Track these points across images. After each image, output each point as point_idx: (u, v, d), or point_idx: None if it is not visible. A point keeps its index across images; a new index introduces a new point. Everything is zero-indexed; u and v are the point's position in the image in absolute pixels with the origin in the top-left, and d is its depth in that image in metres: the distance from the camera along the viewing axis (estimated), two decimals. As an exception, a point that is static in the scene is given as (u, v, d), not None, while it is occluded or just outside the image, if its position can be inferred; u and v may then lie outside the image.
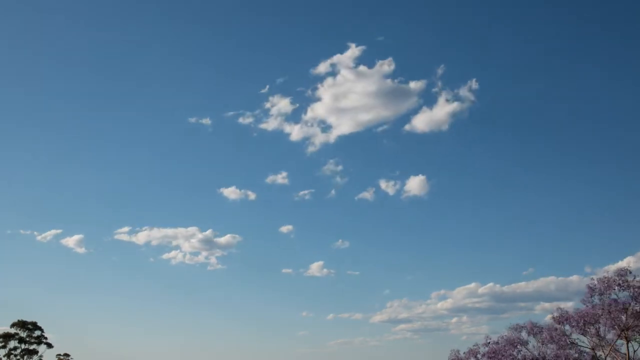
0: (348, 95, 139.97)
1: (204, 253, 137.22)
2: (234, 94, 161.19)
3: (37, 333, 72.94)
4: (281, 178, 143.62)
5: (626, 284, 38.02)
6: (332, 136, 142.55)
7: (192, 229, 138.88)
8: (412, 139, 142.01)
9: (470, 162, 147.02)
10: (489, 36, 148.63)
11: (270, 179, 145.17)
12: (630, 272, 38.04)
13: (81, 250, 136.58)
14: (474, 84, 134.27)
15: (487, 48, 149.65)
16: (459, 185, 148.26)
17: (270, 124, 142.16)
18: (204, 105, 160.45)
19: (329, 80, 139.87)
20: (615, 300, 38.73)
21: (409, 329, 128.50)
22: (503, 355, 44.39)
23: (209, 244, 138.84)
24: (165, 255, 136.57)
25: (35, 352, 71.88)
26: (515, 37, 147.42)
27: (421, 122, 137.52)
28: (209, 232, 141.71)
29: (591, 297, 39.79)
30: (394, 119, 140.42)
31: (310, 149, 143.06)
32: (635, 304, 38.28)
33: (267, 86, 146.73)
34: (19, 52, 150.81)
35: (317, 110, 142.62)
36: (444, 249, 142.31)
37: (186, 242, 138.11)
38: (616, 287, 38.33)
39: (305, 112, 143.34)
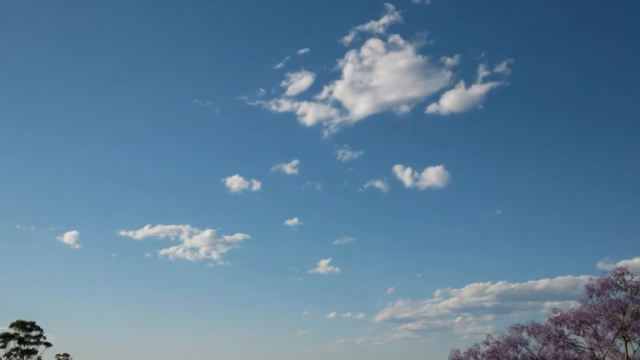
0: (374, 72, 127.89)
1: (205, 249, 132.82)
2: (244, 71, 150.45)
3: (35, 333, 72.97)
4: (290, 167, 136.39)
5: (623, 283, 38.50)
6: (350, 119, 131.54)
7: (194, 223, 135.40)
8: (436, 122, 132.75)
9: (492, 149, 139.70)
10: (531, 11, 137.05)
11: (278, 167, 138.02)
12: (628, 272, 38.60)
13: (79, 247, 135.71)
14: (510, 62, 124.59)
15: (526, 23, 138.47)
16: (479, 176, 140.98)
17: (283, 106, 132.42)
18: (210, 84, 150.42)
19: (353, 53, 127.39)
20: (612, 300, 39.19)
21: (413, 329, 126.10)
22: (503, 355, 45.19)
23: (211, 239, 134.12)
24: (164, 251, 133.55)
25: (34, 352, 71.88)
26: (557, 12, 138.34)
27: (449, 103, 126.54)
28: (211, 226, 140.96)
29: (590, 297, 40.19)
30: (421, 99, 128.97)
31: (325, 133, 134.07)
32: (633, 303, 38.82)
33: (288, 57, 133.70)
34: (18, 47, 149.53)
35: (337, 88, 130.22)
36: (456, 245, 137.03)
37: (187, 238, 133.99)
38: (614, 287, 38.81)
39: (324, 91, 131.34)
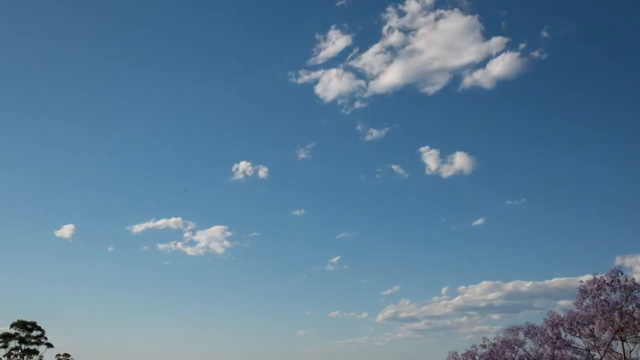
0: (415, 32, 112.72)
1: (207, 243, 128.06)
2: (260, 35, 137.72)
3: (36, 333, 73.22)
4: (303, 151, 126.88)
5: (618, 284, 38.35)
6: (378, 91, 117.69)
7: (196, 218, 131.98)
8: (475, 96, 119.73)
9: (531, 129, 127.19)
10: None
11: (290, 152, 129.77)
12: (622, 273, 38.49)
13: (78, 242, 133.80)
14: (569, 26, 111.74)
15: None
16: (510, 160, 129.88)
17: (303, 77, 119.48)
18: (219, 54, 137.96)
19: (393, 9, 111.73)
20: (607, 300, 38.98)
21: (417, 328, 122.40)
22: (500, 357, 45.55)
23: (213, 234, 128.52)
24: (165, 247, 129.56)
25: (35, 352, 72.12)
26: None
27: (493, 73, 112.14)
28: (214, 219, 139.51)
29: (583, 299, 39.98)
30: (463, 68, 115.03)
31: (347, 108, 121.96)
32: (627, 304, 38.74)
33: (320, 16, 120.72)
34: (18, 45, 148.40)
35: (369, 54, 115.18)
36: (472, 239, 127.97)
37: (188, 232, 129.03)
38: (607, 288, 38.61)
39: (353, 58, 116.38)
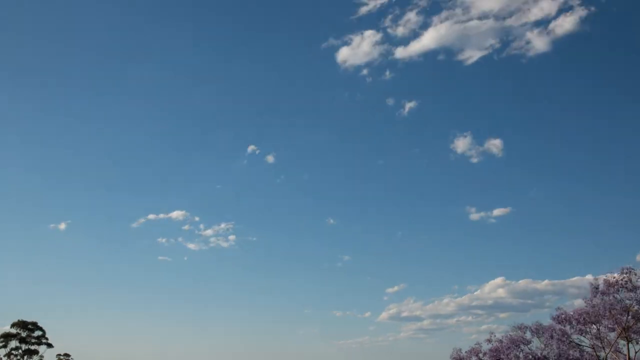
0: None
1: (207, 239, 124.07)
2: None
3: (37, 333, 72.81)
4: (316, 135, 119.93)
5: (630, 284, 38.01)
6: (409, 58, 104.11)
7: (198, 213, 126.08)
8: (520, 65, 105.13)
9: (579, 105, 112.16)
10: None
11: (300, 136, 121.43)
12: (635, 273, 37.99)
13: (78, 240, 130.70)
14: None
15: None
16: (539, 147, 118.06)
17: (329, 42, 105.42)
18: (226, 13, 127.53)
19: None
20: (617, 300, 38.67)
21: (421, 328, 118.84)
22: (505, 355, 45.05)
23: (216, 230, 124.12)
24: (165, 243, 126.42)
25: (35, 352, 71.73)
26: None
27: (548, 36, 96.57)
28: (217, 216, 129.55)
29: (594, 296, 39.67)
30: (519, 27, 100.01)
31: (372, 79, 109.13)
32: (637, 303, 38.32)
33: None
34: (19, 44, 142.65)
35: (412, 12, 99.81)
36: (488, 234, 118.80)
37: (190, 227, 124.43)
38: (620, 287, 38.25)
39: (391, 18, 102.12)
